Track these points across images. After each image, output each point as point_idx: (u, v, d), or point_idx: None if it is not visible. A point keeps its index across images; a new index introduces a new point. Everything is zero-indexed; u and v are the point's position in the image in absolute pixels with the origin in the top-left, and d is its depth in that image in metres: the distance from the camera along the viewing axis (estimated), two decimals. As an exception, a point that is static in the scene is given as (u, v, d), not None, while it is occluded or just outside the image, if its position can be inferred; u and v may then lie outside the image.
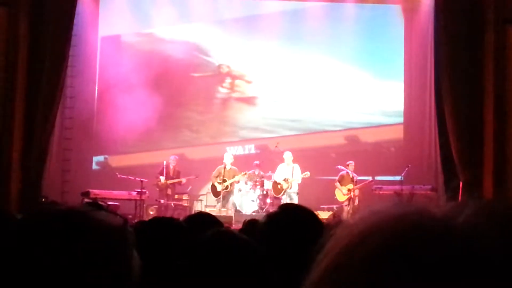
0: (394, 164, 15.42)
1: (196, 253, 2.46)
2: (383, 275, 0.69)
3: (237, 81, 16.86)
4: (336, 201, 14.84)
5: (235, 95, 16.91)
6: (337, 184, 14.77)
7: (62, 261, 1.25)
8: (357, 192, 14.62)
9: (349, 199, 14.67)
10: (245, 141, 16.80)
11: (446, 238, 0.70)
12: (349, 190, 14.64)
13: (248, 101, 16.83)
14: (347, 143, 16.71)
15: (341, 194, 14.73)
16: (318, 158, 16.20)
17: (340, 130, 16.78)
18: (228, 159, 14.85)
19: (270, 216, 2.83)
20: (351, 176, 14.73)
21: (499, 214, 0.72)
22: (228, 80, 16.91)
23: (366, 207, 0.76)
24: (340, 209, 14.79)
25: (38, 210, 1.39)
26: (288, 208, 3.02)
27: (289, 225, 2.73)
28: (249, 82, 16.85)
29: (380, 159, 16.28)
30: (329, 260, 0.75)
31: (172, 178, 14.96)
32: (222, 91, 16.90)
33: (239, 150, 16.59)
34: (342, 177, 14.85)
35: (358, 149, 16.36)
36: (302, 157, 15.27)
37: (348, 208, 14.66)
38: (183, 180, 14.98)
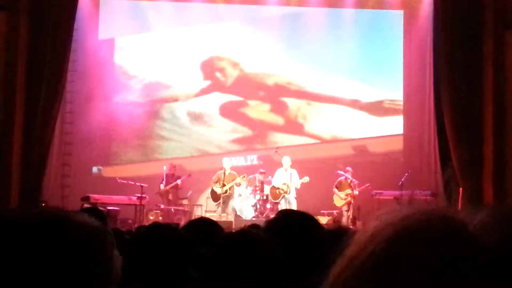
0: (394, 174, 15.28)
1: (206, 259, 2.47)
2: (396, 276, 0.71)
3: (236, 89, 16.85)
4: (335, 207, 14.84)
5: (233, 104, 16.81)
6: (335, 189, 14.79)
7: (41, 263, 1.26)
8: (356, 192, 14.60)
9: (348, 203, 14.67)
10: (247, 151, 16.68)
11: (460, 240, 0.72)
12: (347, 195, 14.65)
13: (247, 109, 16.77)
14: (346, 153, 16.63)
15: (339, 199, 14.74)
16: (315, 164, 16.18)
17: (338, 141, 16.71)
18: (227, 164, 14.87)
19: (271, 222, 2.85)
20: (349, 182, 14.74)
21: (508, 219, 0.73)
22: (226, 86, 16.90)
23: (378, 215, 0.78)
24: (340, 214, 14.80)
25: (15, 214, 1.40)
26: (288, 214, 3.04)
27: (290, 230, 2.74)
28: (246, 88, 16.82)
29: (380, 169, 16.22)
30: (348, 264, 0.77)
31: (170, 184, 15.01)
32: (221, 98, 16.84)
33: (241, 160, 16.45)
34: (340, 183, 14.87)
35: (358, 160, 16.26)
36: (300, 164, 15.29)
37: (348, 213, 14.67)
38: (178, 181, 14.99)
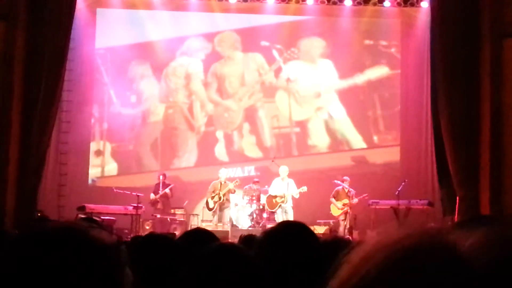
0: (392, 183, 15.25)
1: (195, 267, 2.45)
2: None
3: (235, 97, 16.79)
4: (332, 216, 14.82)
5: (234, 113, 16.75)
6: (332, 199, 14.77)
7: (57, 278, 1.25)
8: (354, 201, 14.58)
9: (345, 213, 14.65)
10: (244, 162, 16.58)
11: (451, 265, 0.70)
12: (344, 204, 14.63)
13: (248, 119, 16.71)
14: (344, 164, 16.60)
15: (336, 209, 14.73)
16: (312, 173, 16.17)
17: (335, 152, 16.70)
18: (223, 174, 14.84)
19: (267, 233, 2.83)
20: (346, 191, 14.73)
21: (502, 242, 0.72)
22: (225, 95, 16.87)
23: (371, 235, 0.77)
24: (336, 223, 14.78)
25: (33, 228, 1.39)
26: (284, 225, 3.02)
27: (285, 241, 2.73)
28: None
29: (377, 179, 16.21)
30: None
31: (160, 192, 15.00)
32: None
33: (238, 171, 16.34)
34: (337, 192, 14.86)
35: (356, 171, 16.25)
36: (297, 174, 15.27)
37: (345, 222, 14.64)
38: (167, 190, 14.96)
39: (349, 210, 14.60)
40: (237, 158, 16.49)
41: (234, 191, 14.72)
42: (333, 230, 14.53)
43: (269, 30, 16.64)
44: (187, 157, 16.53)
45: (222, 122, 16.57)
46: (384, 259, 0.74)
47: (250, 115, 16.65)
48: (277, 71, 16.69)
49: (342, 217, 14.68)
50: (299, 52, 16.58)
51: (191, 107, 16.65)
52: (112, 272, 1.31)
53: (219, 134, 16.49)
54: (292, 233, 2.76)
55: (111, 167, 16.49)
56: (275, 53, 16.59)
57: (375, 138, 16.71)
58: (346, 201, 14.65)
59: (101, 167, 16.47)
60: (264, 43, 16.55)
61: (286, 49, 16.58)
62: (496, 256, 0.70)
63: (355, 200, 14.59)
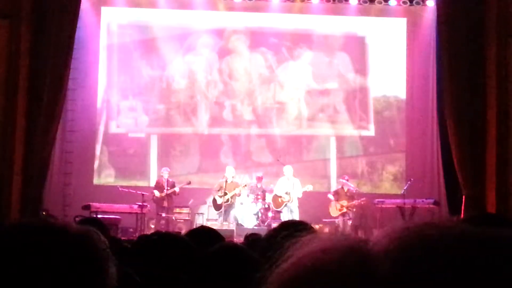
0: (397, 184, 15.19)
1: (200, 266, 2.44)
2: None
3: (237, 104, 16.72)
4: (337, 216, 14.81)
5: (237, 119, 16.70)
6: (331, 196, 14.79)
7: (26, 275, 1.24)
8: (354, 202, 14.58)
9: (343, 214, 14.64)
10: (253, 167, 16.43)
11: (358, 267, 0.72)
12: (342, 206, 14.61)
13: (249, 124, 16.67)
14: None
15: (334, 209, 14.72)
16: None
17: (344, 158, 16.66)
18: (229, 173, 14.81)
19: (271, 233, 2.82)
20: (345, 191, 14.72)
21: (410, 247, 0.72)
22: (227, 103, 16.74)
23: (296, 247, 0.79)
24: (338, 223, 14.74)
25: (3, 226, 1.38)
26: (287, 225, 3.01)
27: (288, 241, 2.71)
28: (249, 105, 16.70)
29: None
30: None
31: (167, 190, 14.83)
32: (226, 114, 16.71)
33: (246, 178, 15.98)
34: (336, 192, 14.88)
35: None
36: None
37: (350, 222, 14.64)
38: (177, 189, 14.85)
39: (346, 211, 14.59)
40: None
41: (240, 194, 14.69)
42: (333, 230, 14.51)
43: (271, 36, 16.62)
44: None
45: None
46: (292, 274, 0.76)
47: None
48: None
49: (340, 219, 14.65)
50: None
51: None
52: (88, 263, 1.28)
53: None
54: (295, 232, 2.74)
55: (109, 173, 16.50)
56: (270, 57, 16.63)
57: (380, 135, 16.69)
58: (344, 202, 14.63)
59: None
60: (263, 48, 16.60)
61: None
62: (401, 260, 0.70)
63: (355, 202, 14.59)
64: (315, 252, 0.75)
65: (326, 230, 14.00)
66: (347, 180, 14.91)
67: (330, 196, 14.77)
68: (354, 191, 14.75)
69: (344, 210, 14.60)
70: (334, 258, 0.73)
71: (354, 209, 14.70)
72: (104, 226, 4.57)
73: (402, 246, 0.71)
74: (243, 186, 14.68)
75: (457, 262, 0.69)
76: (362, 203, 14.57)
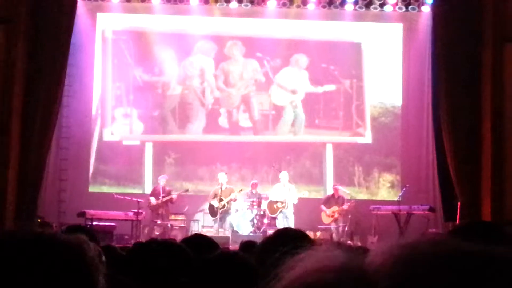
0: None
1: (197, 273, 2.42)
2: None
3: (232, 110, 16.71)
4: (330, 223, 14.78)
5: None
6: (322, 206, 14.75)
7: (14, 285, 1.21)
8: (344, 207, 14.57)
9: (335, 220, 14.62)
10: (248, 173, 16.30)
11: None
12: (333, 212, 14.60)
13: (245, 130, 16.64)
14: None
15: (325, 216, 14.71)
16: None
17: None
18: (223, 179, 14.77)
19: (266, 240, 2.80)
20: (336, 198, 14.70)
21: (405, 264, 0.72)
22: (222, 109, 16.73)
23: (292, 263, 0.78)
24: (336, 229, 14.71)
25: None
26: (283, 233, 2.98)
27: (283, 248, 2.68)
28: (245, 111, 16.69)
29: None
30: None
31: (163, 197, 14.79)
32: (222, 121, 16.68)
33: (240, 185, 15.99)
34: (327, 199, 14.88)
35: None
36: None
37: (337, 229, 14.59)
38: (174, 196, 14.82)
39: (338, 217, 14.56)
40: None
41: (236, 199, 14.66)
42: (326, 236, 14.46)
43: (267, 43, 16.65)
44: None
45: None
46: None
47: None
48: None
49: (333, 225, 14.62)
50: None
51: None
52: (75, 270, 1.25)
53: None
54: (290, 240, 2.72)
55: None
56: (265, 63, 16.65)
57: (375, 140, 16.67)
58: (335, 208, 14.61)
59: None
60: (259, 54, 16.62)
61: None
62: (398, 277, 0.71)
63: (345, 206, 14.56)
64: (312, 272, 0.75)
65: (321, 237, 13.98)
66: (339, 187, 14.90)
67: (322, 207, 14.75)
68: (345, 197, 14.74)
69: (336, 215, 14.58)
70: (332, 278, 0.73)
71: (349, 215, 14.64)
72: (93, 233, 4.53)
73: (397, 264, 0.71)
74: (239, 191, 14.65)
75: (451, 281, 0.70)
76: (350, 206, 14.53)
